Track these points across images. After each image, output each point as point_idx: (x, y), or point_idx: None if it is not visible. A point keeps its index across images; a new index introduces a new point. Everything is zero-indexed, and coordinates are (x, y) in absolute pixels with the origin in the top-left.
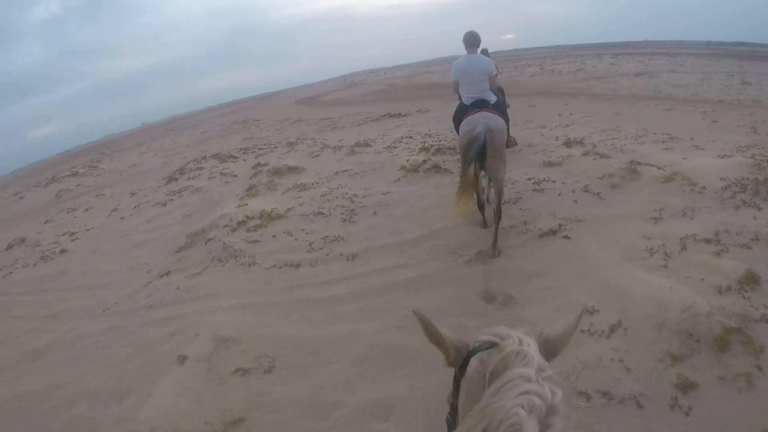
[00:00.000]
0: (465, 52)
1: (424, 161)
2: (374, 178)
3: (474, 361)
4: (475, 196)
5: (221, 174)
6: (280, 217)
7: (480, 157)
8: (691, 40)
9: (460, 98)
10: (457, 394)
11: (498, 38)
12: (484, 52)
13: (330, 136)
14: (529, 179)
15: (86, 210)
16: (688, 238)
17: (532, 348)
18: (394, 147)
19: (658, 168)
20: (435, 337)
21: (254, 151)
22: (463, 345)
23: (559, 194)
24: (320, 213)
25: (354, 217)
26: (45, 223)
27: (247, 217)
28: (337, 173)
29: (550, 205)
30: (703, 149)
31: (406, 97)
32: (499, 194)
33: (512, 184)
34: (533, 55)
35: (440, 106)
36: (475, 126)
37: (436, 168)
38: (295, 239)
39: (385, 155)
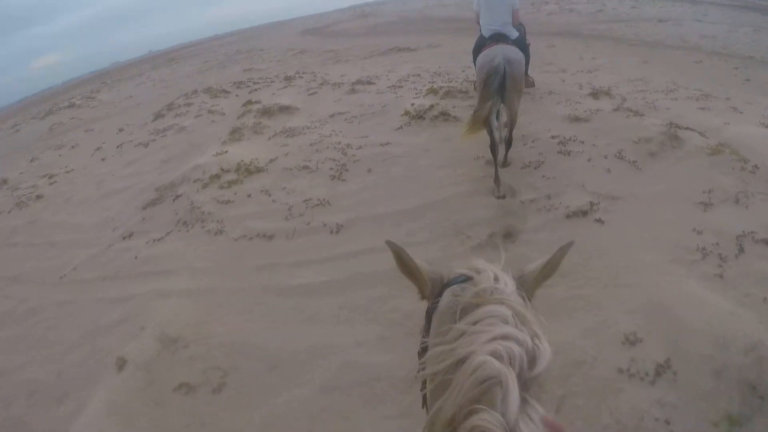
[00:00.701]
0: None
1: (431, 106)
2: (373, 124)
3: (446, 294)
4: (489, 137)
5: (209, 112)
6: (259, 170)
7: (500, 90)
8: None
9: (480, 30)
10: (429, 329)
11: None
12: None
13: (332, 70)
14: (552, 137)
15: (72, 147)
16: (746, 236)
17: (509, 286)
18: (399, 87)
19: (701, 134)
20: (410, 270)
21: (249, 86)
22: (438, 277)
23: (589, 160)
24: (306, 167)
25: (344, 174)
26: (31, 161)
27: (222, 170)
28: (332, 116)
29: (579, 174)
30: (741, 112)
31: (416, 30)
32: (512, 124)
33: (533, 142)
34: None
35: (452, 42)
36: (493, 57)
37: (445, 115)
38: (273, 200)
39: (389, 96)
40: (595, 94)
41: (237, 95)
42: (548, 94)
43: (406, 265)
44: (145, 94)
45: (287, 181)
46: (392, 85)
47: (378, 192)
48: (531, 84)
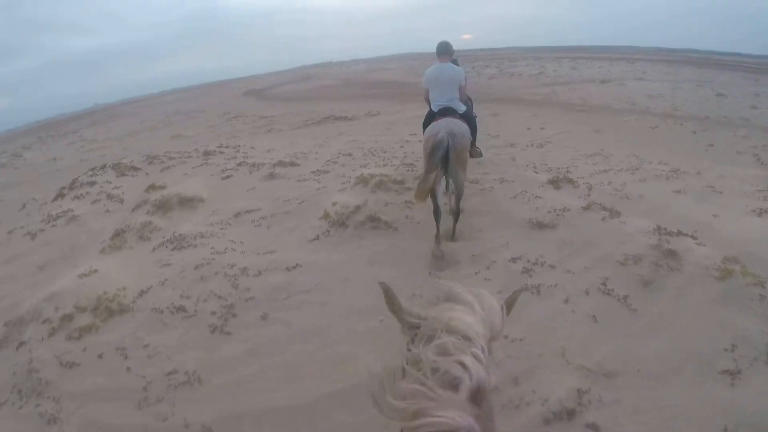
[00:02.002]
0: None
1: (358, 207)
2: (284, 231)
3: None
4: (433, 205)
5: (108, 197)
6: (122, 310)
7: (443, 162)
8: (644, 47)
9: (429, 106)
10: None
11: (457, 39)
12: (454, 61)
13: (259, 142)
14: (513, 260)
15: None
16: None
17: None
18: (325, 171)
19: (694, 239)
20: (396, 311)
21: (163, 161)
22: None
23: (566, 301)
24: (181, 308)
25: (229, 323)
26: None
27: (77, 307)
28: (238, 215)
29: (556, 331)
30: (721, 192)
31: (357, 95)
32: (459, 197)
33: (487, 268)
34: (489, 56)
35: (391, 110)
36: (438, 131)
37: (373, 221)
38: (128, 368)
39: (310, 186)
40: (555, 182)
41: (147, 173)
42: (500, 182)
43: (394, 306)
44: (70, 158)
45: (153, 332)
46: (318, 170)
47: (272, 361)
48: (479, 154)
